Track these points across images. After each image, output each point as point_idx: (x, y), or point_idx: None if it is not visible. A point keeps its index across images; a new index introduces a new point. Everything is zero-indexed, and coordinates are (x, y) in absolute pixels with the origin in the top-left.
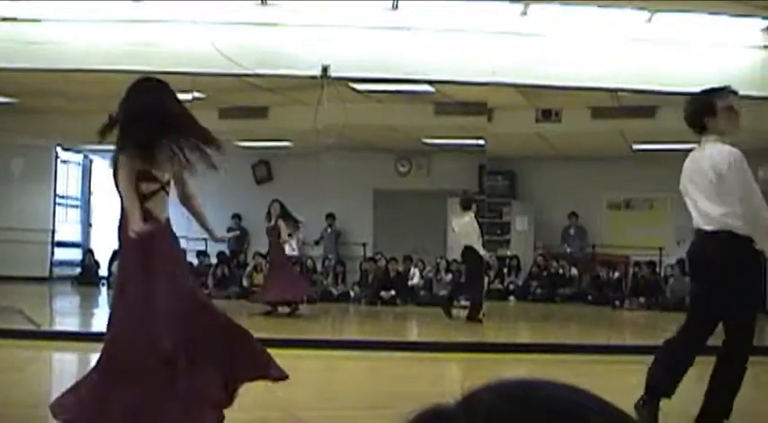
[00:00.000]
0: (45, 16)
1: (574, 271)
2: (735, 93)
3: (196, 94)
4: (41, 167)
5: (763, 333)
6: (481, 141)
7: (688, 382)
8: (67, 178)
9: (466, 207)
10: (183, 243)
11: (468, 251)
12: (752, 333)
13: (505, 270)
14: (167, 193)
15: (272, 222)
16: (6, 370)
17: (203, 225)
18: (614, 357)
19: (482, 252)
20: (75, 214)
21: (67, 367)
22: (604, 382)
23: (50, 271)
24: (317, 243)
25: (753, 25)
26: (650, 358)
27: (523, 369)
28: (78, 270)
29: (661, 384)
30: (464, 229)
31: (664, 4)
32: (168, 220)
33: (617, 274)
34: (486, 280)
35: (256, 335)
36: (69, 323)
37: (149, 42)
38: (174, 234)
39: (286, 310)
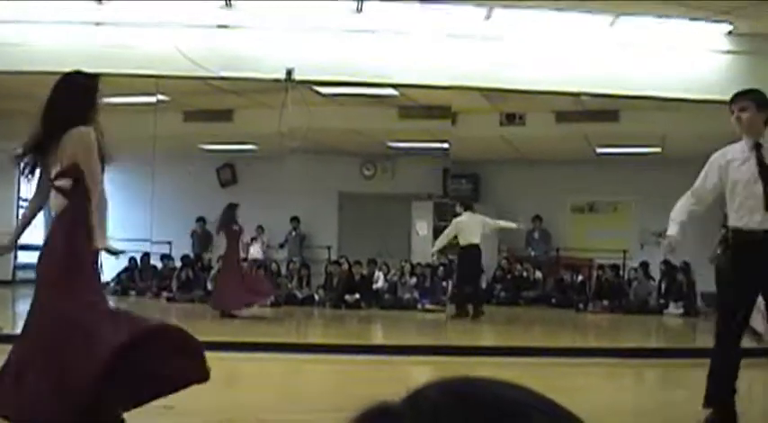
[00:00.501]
0: (7, 17)
1: (538, 274)
2: (737, 97)
3: (160, 97)
4: (4, 170)
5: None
6: (445, 145)
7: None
8: (30, 181)
9: (468, 207)
10: (146, 246)
11: (469, 249)
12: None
13: None
14: (57, 190)
15: (237, 226)
16: None
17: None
18: (578, 360)
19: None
20: (39, 217)
21: None
22: (566, 383)
23: (13, 274)
24: (281, 246)
25: (716, 30)
26: (612, 361)
27: (487, 372)
28: None
29: None
30: (469, 227)
31: (627, 8)
32: (59, 216)
33: (581, 278)
34: (450, 283)
35: (220, 338)
36: None
37: (113, 45)
38: (67, 231)
39: (243, 312)
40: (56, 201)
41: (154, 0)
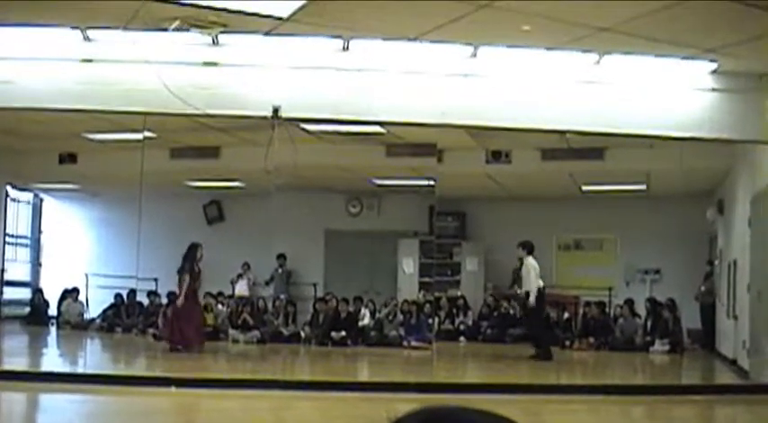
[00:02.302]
0: None
1: None
2: None
3: (147, 134)
4: None
5: (711, 371)
6: (431, 182)
7: None
8: (17, 217)
9: (531, 251)
10: (132, 283)
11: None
12: None
13: (455, 311)
14: None
15: (197, 267)
16: None
17: None
18: (564, 397)
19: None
20: (25, 253)
21: (15, 407)
22: (552, 420)
23: None
24: (267, 283)
25: (700, 68)
26: (597, 398)
27: None
28: (27, 309)
29: None
30: (533, 272)
31: (612, 46)
32: None
33: (567, 315)
34: (436, 320)
35: (206, 375)
36: (18, 363)
37: (100, 81)
38: None
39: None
40: None
41: (141, 37)
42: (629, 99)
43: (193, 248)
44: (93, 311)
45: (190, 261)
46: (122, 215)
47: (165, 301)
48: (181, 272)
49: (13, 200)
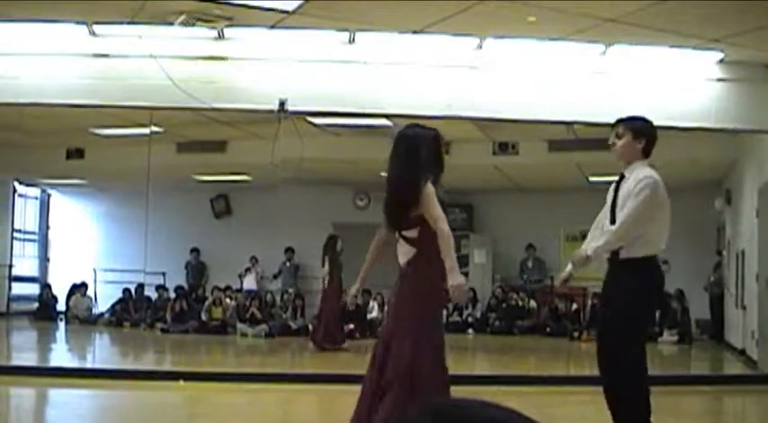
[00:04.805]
0: None
1: (532, 303)
2: (616, 122)
3: (154, 129)
4: None
5: (720, 362)
6: None
7: None
8: (25, 213)
9: None
10: (140, 277)
11: None
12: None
13: (463, 303)
14: (405, 240)
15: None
16: None
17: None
18: (572, 388)
19: None
20: (33, 249)
21: (24, 402)
22: (561, 411)
23: (8, 306)
24: (275, 277)
25: (707, 58)
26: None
27: None
28: (36, 305)
29: None
30: None
31: (618, 37)
32: (408, 264)
33: (575, 306)
34: (445, 312)
35: (215, 369)
36: (27, 358)
37: (106, 76)
38: (414, 279)
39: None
40: (403, 249)
41: (146, 32)
42: (636, 89)
43: (332, 240)
44: (102, 306)
45: (330, 253)
46: (130, 210)
47: (173, 295)
48: (323, 265)
49: (21, 195)
